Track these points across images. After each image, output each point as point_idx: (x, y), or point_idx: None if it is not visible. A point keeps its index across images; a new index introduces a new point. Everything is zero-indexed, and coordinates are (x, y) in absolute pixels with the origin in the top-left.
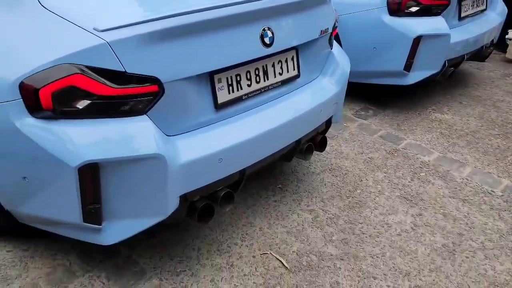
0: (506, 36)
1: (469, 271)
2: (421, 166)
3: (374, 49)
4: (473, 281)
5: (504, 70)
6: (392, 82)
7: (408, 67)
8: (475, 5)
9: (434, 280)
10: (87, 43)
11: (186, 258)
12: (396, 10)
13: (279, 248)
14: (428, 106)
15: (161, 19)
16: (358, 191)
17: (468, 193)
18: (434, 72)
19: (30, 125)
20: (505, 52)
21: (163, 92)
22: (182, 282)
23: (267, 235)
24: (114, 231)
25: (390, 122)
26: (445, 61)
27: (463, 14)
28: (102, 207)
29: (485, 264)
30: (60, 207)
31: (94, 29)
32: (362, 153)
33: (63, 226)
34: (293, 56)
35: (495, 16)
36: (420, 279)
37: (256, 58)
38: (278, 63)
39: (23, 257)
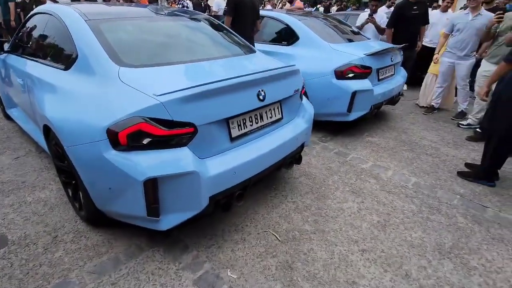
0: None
1: (396, 238)
2: (361, 171)
3: (328, 99)
4: (398, 245)
5: (409, 110)
6: (341, 119)
7: (349, 110)
8: (387, 72)
9: (373, 245)
10: (149, 103)
11: (214, 236)
12: (340, 76)
13: (275, 227)
14: (364, 133)
15: (195, 87)
16: (323, 188)
17: (391, 187)
18: (365, 112)
19: (113, 154)
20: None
21: (197, 131)
22: (212, 252)
23: (267, 219)
24: (167, 221)
25: (341, 143)
26: (372, 105)
27: (380, 77)
28: (159, 206)
29: (405, 233)
30: (133, 207)
31: (153, 94)
32: (324, 164)
33: (135, 219)
34: (278, 106)
35: (399, 78)
36: (365, 245)
37: (254, 109)
38: (269, 111)
39: (109, 239)
